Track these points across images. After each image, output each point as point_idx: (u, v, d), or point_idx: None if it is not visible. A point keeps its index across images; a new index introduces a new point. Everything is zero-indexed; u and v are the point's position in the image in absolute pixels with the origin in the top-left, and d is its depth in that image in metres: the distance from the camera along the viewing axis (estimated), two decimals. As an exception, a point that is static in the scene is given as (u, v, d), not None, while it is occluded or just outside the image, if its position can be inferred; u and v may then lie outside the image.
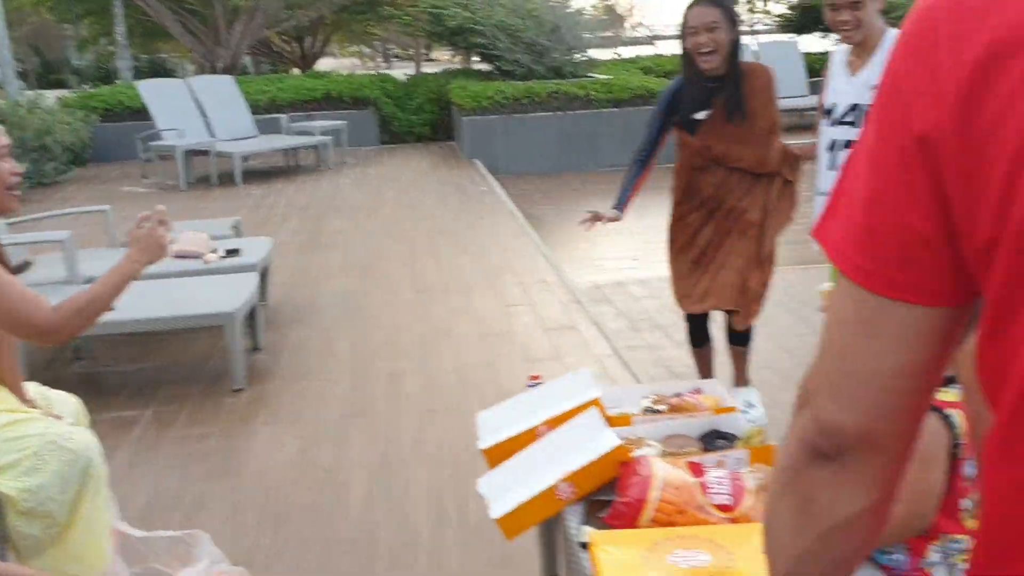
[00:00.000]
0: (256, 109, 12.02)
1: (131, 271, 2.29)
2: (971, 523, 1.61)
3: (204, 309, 4.11)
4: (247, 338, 4.56)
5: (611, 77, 11.90)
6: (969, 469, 1.58)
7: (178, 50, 23.75)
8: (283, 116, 11.55)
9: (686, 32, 3.25)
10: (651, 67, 14.45)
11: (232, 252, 5.01)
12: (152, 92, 10.59)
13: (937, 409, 1.56)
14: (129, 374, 4.50)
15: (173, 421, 3.91)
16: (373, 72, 16.45)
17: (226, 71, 16.78)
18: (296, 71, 20.70)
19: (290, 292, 5.79)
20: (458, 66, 16.74)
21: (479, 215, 8.08)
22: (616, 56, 15.70)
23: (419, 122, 13.06)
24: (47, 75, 28.53)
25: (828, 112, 3.22)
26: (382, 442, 3.66)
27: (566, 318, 5.11)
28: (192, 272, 4.71)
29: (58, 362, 4.67)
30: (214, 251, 4.98)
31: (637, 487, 1.82)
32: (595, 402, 2.21)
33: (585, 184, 10.19)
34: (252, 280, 4.45)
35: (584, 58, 12.84)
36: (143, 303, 4.11)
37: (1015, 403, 0.64)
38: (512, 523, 1.93)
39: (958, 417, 1.55)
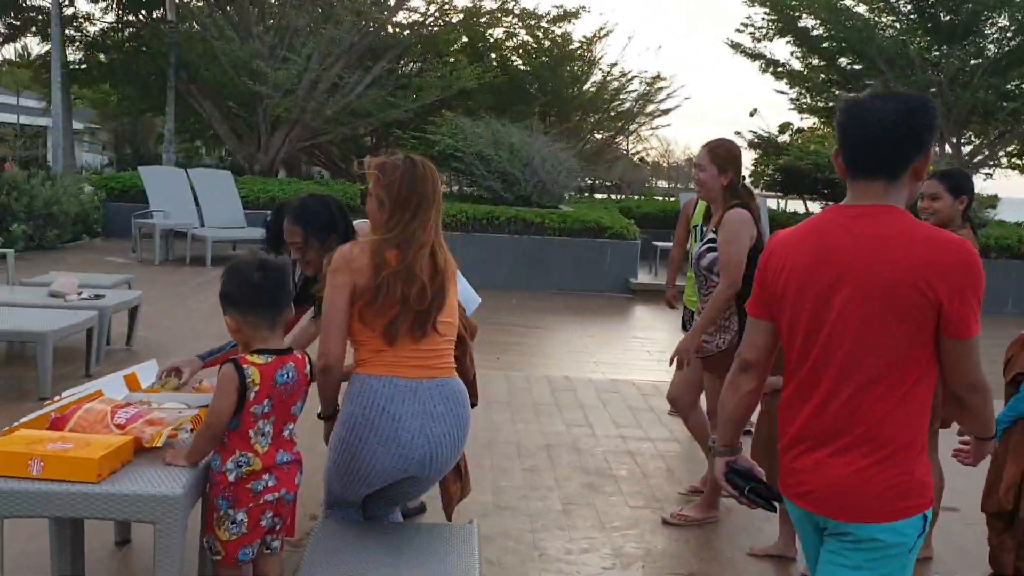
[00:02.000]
0: (256, 205, 13.34)
1: None
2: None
3: (27, 327, 5.06)
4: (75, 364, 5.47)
5: (571, 210, 12.90)
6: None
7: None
8: (267, 212, 12.79)
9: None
10: (630, 208, 15.45)
11: (97, 296, 5.99)
12: (151, 177, 11.98)
13: None
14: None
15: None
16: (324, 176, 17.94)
17: (263, 173, 18.41)
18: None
19: (152, 340, 6.74)
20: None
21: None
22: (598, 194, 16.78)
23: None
24: (139, 162, 31.18)
25: None
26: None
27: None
28: (45, 305, 5.68)
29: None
30: (79, 293, 5.96)
31: (70, 414, 2.63)
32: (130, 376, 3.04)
33: (528, 301, 11.00)
34: (84, 315, 5.40)
35: (560, 191, 13.90)
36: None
37: None
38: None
39: None
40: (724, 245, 3.98)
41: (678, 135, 79.81)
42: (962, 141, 20.74)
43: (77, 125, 33.86)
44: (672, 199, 19.09)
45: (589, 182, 30.93)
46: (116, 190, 13.70)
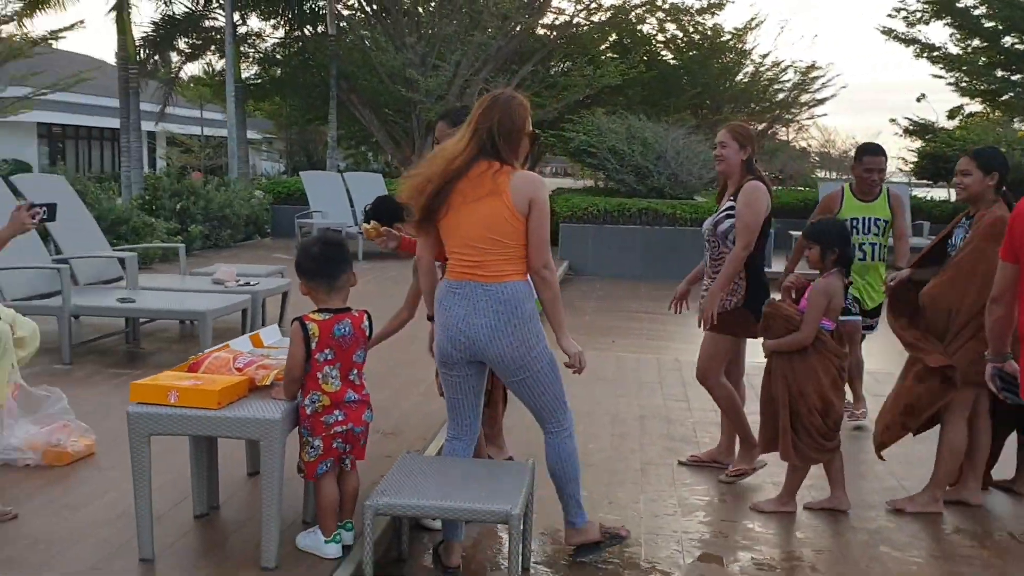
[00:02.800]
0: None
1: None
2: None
3: (191, 307, 5.98)
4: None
5: (705, 200, 13.14)
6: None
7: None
8: (415, 210, 13.71)
9: None
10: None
11: (251, 283, 6.90)
12: (311, 181, 13.13)
13: None
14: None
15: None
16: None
17: (417, 175, 19.52)
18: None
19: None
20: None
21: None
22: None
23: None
24: (311, 168, 33.39)
25: None
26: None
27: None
28: (208, 290, 6.62)
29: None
30: (236, 281, 6.88)
31: (203, 361, 3.35)
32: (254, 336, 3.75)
33: (657, 291, 11.33)
34: (238, 298, 6.28)
35: (695, 182, 14.13)
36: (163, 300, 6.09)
37: None
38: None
39: None
40: (743, 209, 4.36)
41: (839, 124, 76.89)
42: None
43: (254, 135, 36.47)
44: (809, 189, 18.76)
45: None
46: (282, 194, 15.02)
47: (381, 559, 3.55)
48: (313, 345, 3.21)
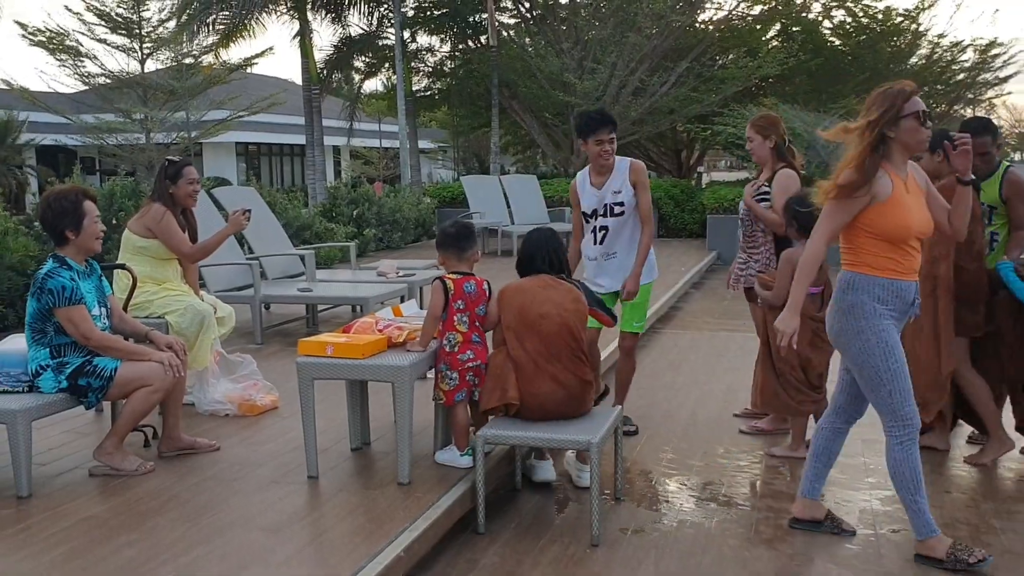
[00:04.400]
0: (559, 203, 15.14)
1: (222, 237, 5.09)
2: None
3: (357, 294, 7.00)
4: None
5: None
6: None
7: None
8: (567, 209, 14.49)
9: None
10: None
11: (409, 274, 7.88)
12: (471, 185, 14.17)
13: None
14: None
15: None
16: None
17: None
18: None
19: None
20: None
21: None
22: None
23: (691, 220, 15.26)
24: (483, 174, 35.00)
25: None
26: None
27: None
28: (373, 281, 7.65)
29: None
30: (397, 272, 7.88)
31: (352, 325, 4.26)
32: (395, 308, 4.64)
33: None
34: (396, 287, 7.28)
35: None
36: (335, 290, 7.17)
37: None
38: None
39: None
40: (776, 195, 4.89)
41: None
42: None
43: (428, 144, 38.38)
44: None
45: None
46: (447, 198, 16.19)
47: (498, 486, 4.37)
48: (450, 296, 4.13)
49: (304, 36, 19.78)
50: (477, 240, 4.45)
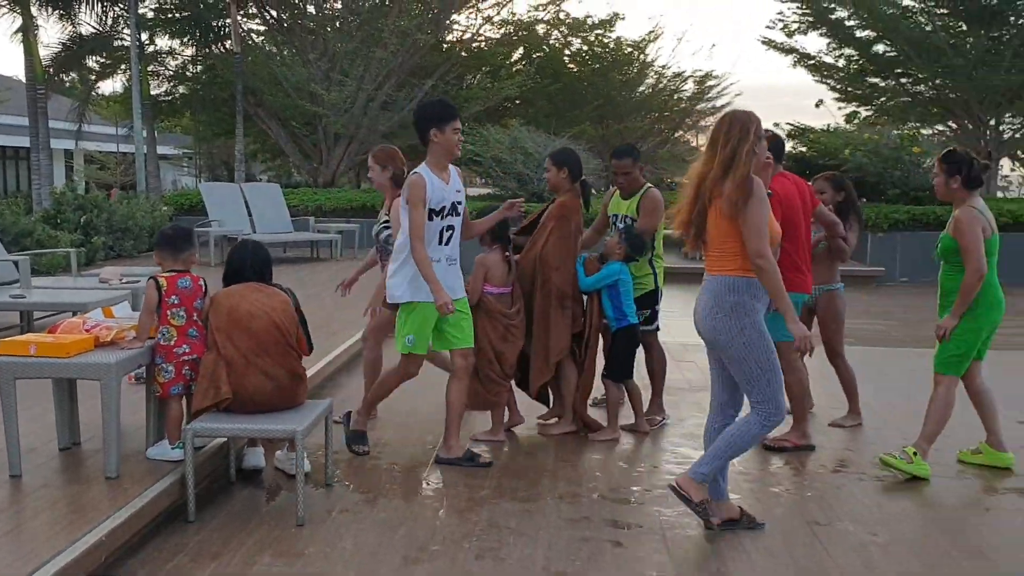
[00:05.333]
0: (304, 212, 15.22)
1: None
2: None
3: (72, 300, 6.85)
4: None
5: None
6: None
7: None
8: (311, 218, 14.65)
9: None
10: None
11: (132, 280, 7.77)
12: (209, 192, 13.95)
13: None
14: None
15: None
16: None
17: (325, 186, 20.37)
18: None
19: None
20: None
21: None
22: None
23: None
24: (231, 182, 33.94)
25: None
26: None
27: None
28: (94, 287, 7.48)
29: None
30: (120, 279, 7.75)
31: (59, 325, 4.30)
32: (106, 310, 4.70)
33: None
34: (118, 293, 7.16)
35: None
36: (50, 296, 6.95)
37: None
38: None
39: None
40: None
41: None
42: (1002, 123, 21.11)
43: (172, 151, 36.76)
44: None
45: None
46: (186, 206, 15.79)
47: (212, 478, 4.56)
48: (162, 291, 4.30)
49: (27, 32, 18.53)
50: (195, 244, 4.66)
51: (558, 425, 5.62)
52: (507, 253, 5.36)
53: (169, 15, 21.58)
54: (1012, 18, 19.61)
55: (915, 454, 4.83)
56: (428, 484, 4.70)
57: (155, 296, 4.32)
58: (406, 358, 4.95)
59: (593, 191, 17.90)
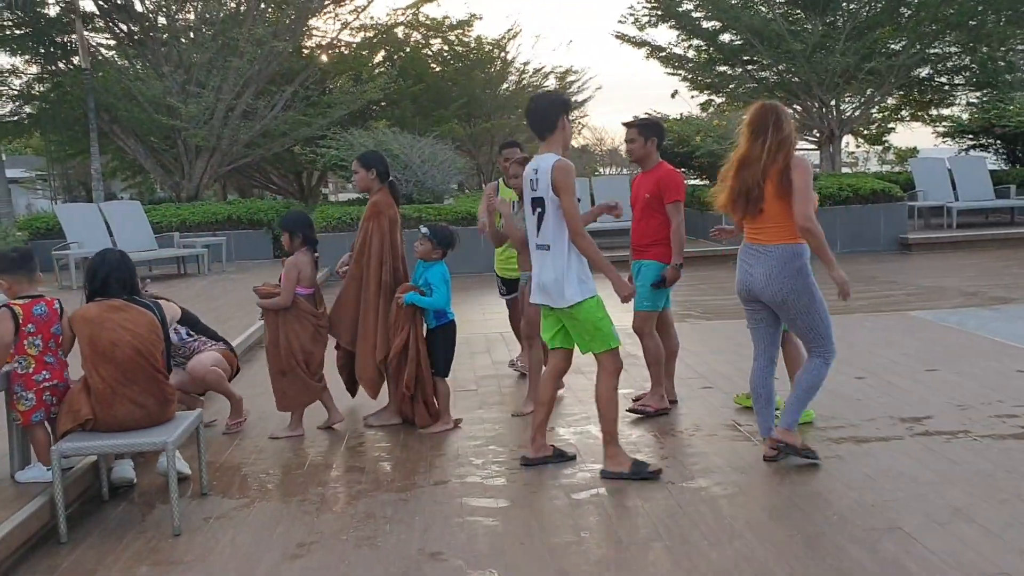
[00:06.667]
0: (168, 228, 14.87)
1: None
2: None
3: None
4: None
5: (452, 203, 14.53)
6: None
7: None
8: (176, 233, 14.35)
9: None
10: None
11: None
12: (66, 213, 13.52)
13: None
14: None
15: None
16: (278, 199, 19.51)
17: (190, 199, 19.87)
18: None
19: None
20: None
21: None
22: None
23: (305, 239, 15.73)
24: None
25: None
26: None
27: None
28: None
29: None
30: None
31: None
32: None
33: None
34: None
35: (440, 187, 15.53)
36: None
37: None
38: None
39: None
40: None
41: (607, 123, 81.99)
42: (842, 103, 22.39)
43: (23, 174, 35.09)
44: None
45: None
46: (42, 229, 15.19)
47: (84, 498, 4.54)
48: (19, 322, 4.22)
49: None
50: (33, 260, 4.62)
51: (438, 424, 5.69)
52: (316, 254, 5.55)
53: (7, 32, 20.60)
54: (844, 4, 20.87)
55: None
56: (306, 486, 4.80)
57: (11, 328, 4.24)
58: (614, 353, 4.59)
59: (467, 190, 18.09)
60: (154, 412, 4.31)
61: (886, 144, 28.60)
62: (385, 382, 5.77)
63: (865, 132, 25.49)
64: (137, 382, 4.24)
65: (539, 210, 4.52)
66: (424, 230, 5.53)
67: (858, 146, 30.22)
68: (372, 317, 5.57)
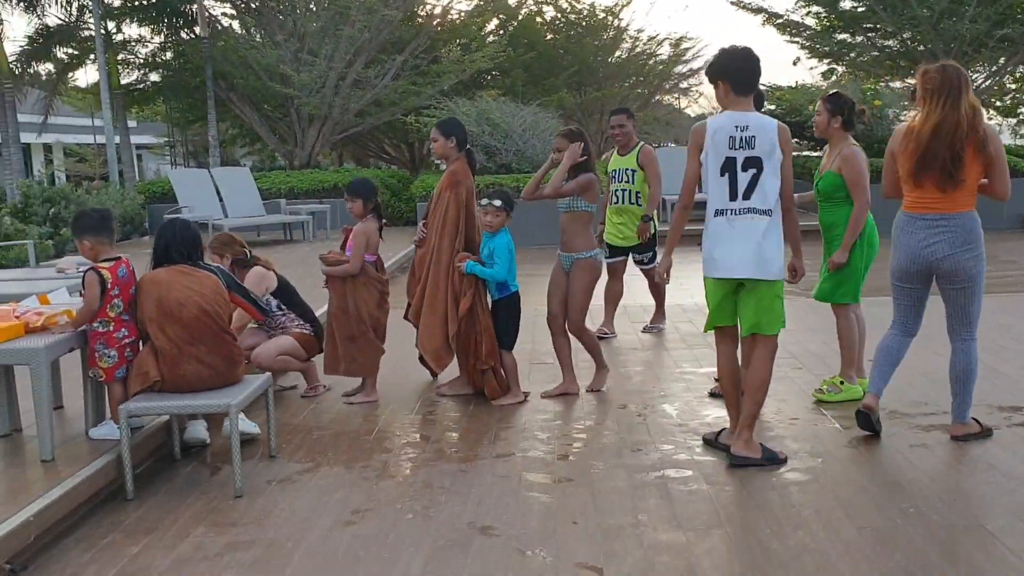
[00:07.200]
0: (276, 195, 15.25)
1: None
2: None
3: (24, 290, 6.91)
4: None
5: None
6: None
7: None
8: (283, 200, 14.68)
9: None
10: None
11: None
12: (179, 178, 13.99)
13: None
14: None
15: None
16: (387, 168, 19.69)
17: (302, 167, 20.33)
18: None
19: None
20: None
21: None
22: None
23: (407, 208, 15.88)
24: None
25: None
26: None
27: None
28: (51, 278, 7.54)
29: None
30: (77, 268, 7.81)
31: None
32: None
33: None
34: (71, 281, 7.21)
35: (541, 156, 15.34)
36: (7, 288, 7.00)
37: None
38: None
39: None
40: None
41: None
42: (972, 73, 21.10)
43: (152, 140, 36.61)
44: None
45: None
46: (157, 193, 15.80)
47: (154, 456, 4.66)
48: (108, 285, 4.35)
49: (-8, 26, 18.43)
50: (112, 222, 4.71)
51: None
52: (383, 220, 5.59)
53: (135, 2, 21.42)
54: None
55: (842, 383, 5.11)
56: (371, 453, 4.80)
57: (99, 292, 4.34)
58: (776, 336, 4.41)
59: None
60: (222, 371, 4.37)
61: (1021, 116, 26.83)
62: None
63: (998, 104, 23.97)
64: (203, 341, 4.31)
65: (752, 171, 4.19)
66: (496, 203, 5.40)
67: (990, 118, 28.48)
68: (444, 287, 5.50)
